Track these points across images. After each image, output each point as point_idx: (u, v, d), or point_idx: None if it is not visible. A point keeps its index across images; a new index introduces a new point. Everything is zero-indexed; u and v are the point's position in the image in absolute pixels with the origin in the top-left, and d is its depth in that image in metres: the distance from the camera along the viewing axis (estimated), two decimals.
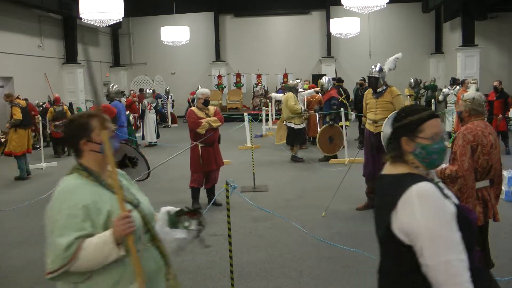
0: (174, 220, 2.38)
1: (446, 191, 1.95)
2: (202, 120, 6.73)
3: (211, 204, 6.52)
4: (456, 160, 3.71)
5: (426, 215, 1.76)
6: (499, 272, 4.33)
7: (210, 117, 6.85)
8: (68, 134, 2.22)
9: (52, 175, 9.90)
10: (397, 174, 1.93)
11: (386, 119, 6.13)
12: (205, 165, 6.87)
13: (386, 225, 1.86)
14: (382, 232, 1.91)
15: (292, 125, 10.43)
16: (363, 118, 6.82)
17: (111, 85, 9.98)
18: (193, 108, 7.02)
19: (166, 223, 2.36)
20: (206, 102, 6.93)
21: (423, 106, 2.03)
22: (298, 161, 10.48)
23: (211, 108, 7.04)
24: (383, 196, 1.96)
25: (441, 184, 1.99)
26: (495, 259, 4.68)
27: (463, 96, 4.11)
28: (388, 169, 2.00)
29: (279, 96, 14.91)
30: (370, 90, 6.58)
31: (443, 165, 3.77)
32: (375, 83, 6.41)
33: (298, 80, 11.28)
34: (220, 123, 6.90)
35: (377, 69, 6.43)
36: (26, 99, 10.88)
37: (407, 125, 1.92)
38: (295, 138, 10.56)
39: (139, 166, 4.79)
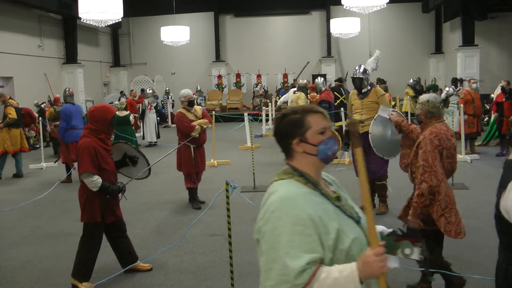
0: (390, 244, 1.87)
1: None
2: (194, 123, 6.70)
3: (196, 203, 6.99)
4: (428, 167, 3.60)
5: None
6: None
7: (198, 117, 6.84)
8: (279, 131, 1.89)
9: (52, 175, 9.89)
10: None
11: (372, 120, 6.18)
12: (197, 165, 6.90)
13: (496, 203, 2.07)
14: (495, 209, 2.11)
15: None
16: (347, 120, 6.84)
17: (66, 88, 10.31)
18: (181, 110, 6.89)
19: None
20: (190, 103, 6.89)
21: None
22: None
23: (198, 108, 7.01)
24: (501, 177, 2.15)
25: None
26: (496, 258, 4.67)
27: (419, 98, 4.11)
28: None
29: (283, 99, 14.87)
30: (354, 91, 6.63)
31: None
32: (359, 84, 6.45)
33: (305, 81, 11.27)
34: (210, 124, 6.96)
35: (361, 70, 6.47)
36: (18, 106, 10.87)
37: None
38: None
39: (139, 164, 4.78)
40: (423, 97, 3.95)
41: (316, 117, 1.82)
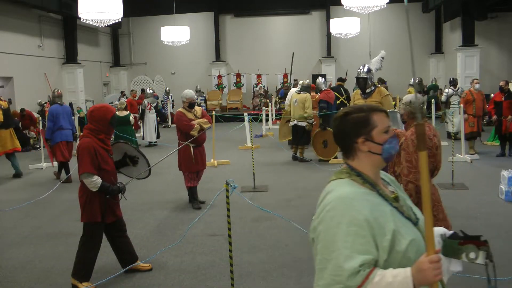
0: (454, 247, 1.81)
1: None
2: (193, 122, 6.76)
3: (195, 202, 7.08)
4: (412, 168, 3.67)
5: None
6: (499, 272, 4.32)
7: (197, 117, 6.90)
8: (341, 129, 1.85)
9: (52, 175, 9.89)
10: None
11: None
12: (197, 164, 6.94)
13: None
14: None
15: (304, 125, 10.34)
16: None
17: (55, 89, 10.32)
18: (181, 109, 6.97)
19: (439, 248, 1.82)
20: (191, 105, 6.95)
21: None
22: (302, 161, 10.43)
23: (198, 109, 7.10)
24: None
25: None
26: (496, 258, 4.66)
27: (402, 99, 4.18)
28: None
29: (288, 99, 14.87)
30: (358, 91, 6.64)
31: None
32: (363, 83, 6.44)
33: (308, 81, 11.26)
34: (210, 124, 7.00)
35: (365, 70, 6.46)
36: (10, 108, 10.77)
37: None
38: (303, 139, 10.52)
39: (140, 164, 4.78)
40: (406, 98, 4.06)
41: (381, 116, 1.82)
